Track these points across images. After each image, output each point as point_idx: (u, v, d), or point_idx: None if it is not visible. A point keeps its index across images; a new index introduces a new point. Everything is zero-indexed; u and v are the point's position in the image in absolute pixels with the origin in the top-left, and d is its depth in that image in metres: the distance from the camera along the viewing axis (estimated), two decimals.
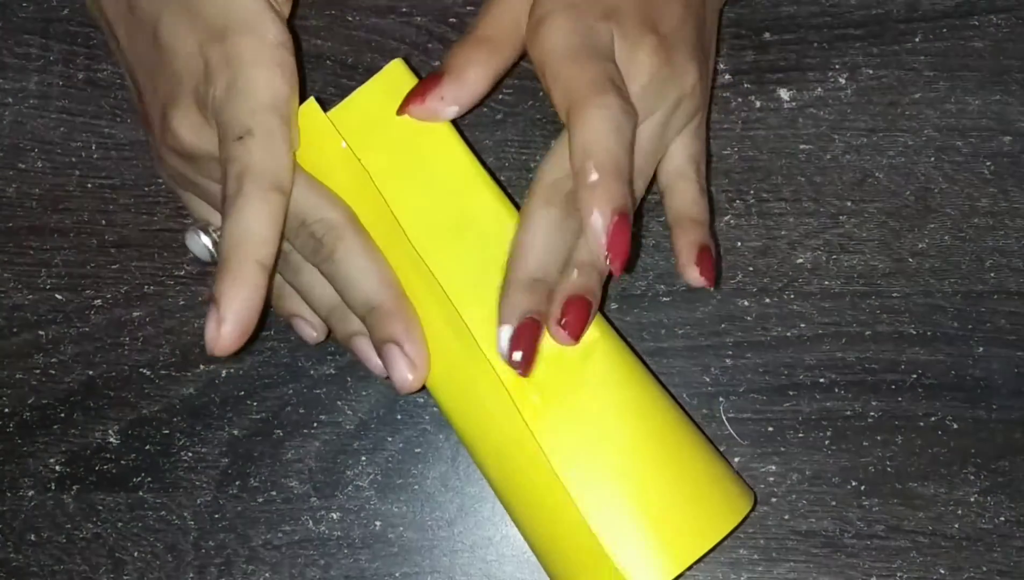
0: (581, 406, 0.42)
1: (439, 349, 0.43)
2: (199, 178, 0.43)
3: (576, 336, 0.42)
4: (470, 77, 0.43)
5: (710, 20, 0.46)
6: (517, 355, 0.41)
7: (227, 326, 0.38)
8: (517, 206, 0.44)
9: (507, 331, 0.42)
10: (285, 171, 0.40)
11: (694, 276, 0.44)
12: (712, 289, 0.46)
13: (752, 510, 0.46)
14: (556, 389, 0.42)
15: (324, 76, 0.50)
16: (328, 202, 0.42)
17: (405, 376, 0.42)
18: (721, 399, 0.49)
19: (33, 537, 0.49)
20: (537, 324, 0.42)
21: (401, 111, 0.43)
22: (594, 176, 0.40)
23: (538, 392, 0.42)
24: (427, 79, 0.43)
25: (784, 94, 0.50)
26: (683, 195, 0.45)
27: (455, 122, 0.44)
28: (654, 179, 0.45)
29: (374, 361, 0.43)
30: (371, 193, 0.42)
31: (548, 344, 0.42)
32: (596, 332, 0.43)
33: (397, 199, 0.43)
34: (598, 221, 0.40)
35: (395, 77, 0.44)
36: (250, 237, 0.39)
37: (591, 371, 0.43)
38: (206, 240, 0.44)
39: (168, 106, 0.42)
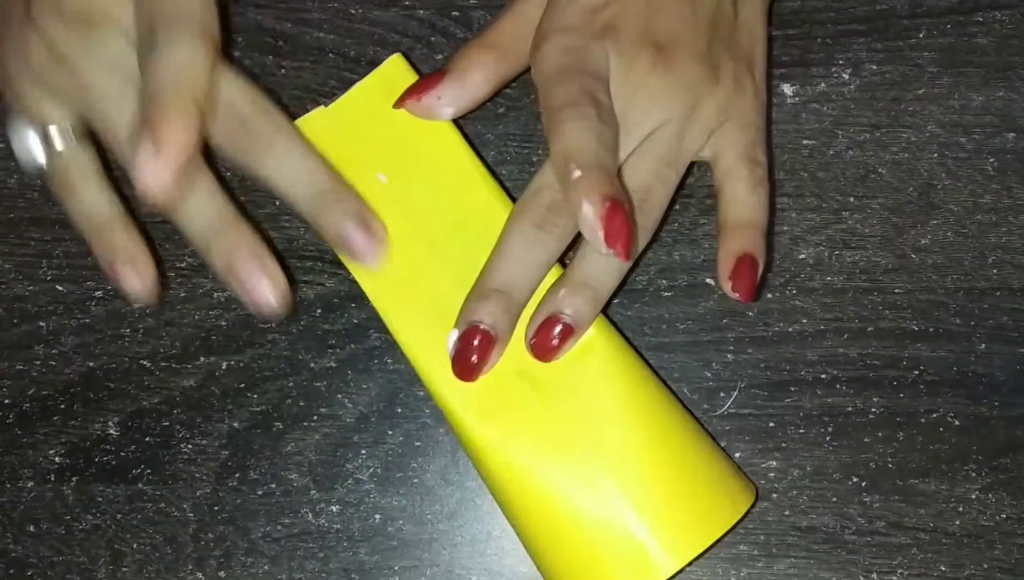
0: (579, 407, 0.42)
1: (433, 342, 0.43)
2: (83, 46, 0.39)
3: (545, 356, 0.42)
4: (471, 80, 0.43)
5: (750, 15, 0.45)
6: (460, 361, 0.42)
7: (163, 160, 0.35)
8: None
9: (453, 335, 0.42)
10: (214, 20, 0.39)
11: (727, 289, 0.43)
12: (749, 302, 0.45)
13: (753, 506, 0.46)
14: (554, 390, 0.42)
15: (326, 69, 0.50)
16: (270, 99, 0.40)
17: (375, 250, 0.41)
18: (722, 394, 0.49)
19: (32, 528, 0.49)
20: (484, 334, 0.41)
21: (397, 105, 0.43)
22: (577, 173, 0.39)
23: (536, 392, 0.42)
24: (428, 77, 0.43)
25: (787, 89, 0.50)
26: (729, 196, 0.44)
27: (457, 119, 0.44)
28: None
29: (254, 281, 0.39)
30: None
31: None
32: (594, 331, 0.43)
33: (394, 195, 0.43)
34: (588, 211, 0.39)
35: (395, 72, 0.44)
36: (187, 73, 0.37)
37: (589, 371, 0.43)
38: (38, 140, 0.41)
39: None
